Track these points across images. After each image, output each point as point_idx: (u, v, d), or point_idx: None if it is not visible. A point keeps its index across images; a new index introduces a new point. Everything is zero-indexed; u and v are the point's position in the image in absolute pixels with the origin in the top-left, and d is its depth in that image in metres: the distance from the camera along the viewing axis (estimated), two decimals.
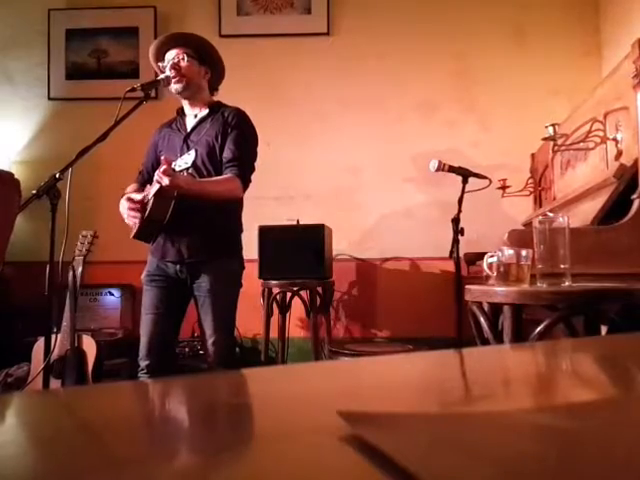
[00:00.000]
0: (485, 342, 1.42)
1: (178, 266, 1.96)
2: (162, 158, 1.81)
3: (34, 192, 1.69)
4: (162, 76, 1.99)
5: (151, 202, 1.88)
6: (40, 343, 2.25)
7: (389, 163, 3.50)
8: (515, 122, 3.41)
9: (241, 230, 2.09)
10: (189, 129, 2.05)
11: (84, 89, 3.62)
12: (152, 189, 1.88)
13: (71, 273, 2.46)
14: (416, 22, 3.54)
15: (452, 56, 3.51)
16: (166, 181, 1.74)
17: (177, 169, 1.82)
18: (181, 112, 2.11)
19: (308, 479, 0.22)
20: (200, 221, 1.93)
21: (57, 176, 1.72)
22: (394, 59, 3.53)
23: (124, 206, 1.97)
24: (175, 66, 1.98)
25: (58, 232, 1.78)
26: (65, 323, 2.42)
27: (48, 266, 1.79)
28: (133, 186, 2.13)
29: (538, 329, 1.28)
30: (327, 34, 3.56)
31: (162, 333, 1.95)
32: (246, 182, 1.97)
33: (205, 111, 2.04)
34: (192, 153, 1.84)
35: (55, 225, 1.76)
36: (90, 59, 3.65)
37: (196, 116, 2.06)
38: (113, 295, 3.37)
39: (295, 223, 3.01)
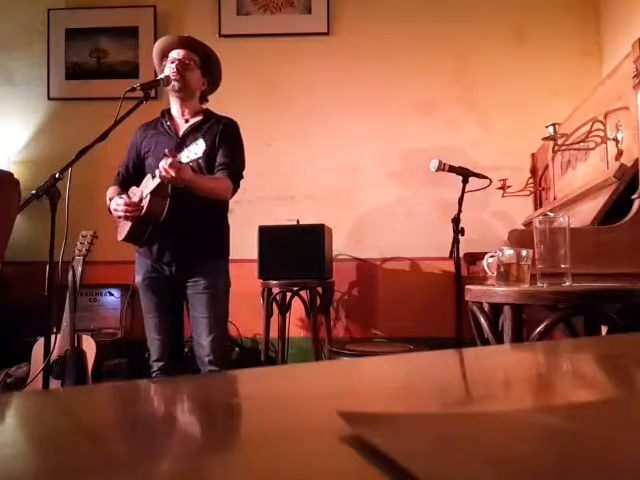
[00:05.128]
0: (485, 342, 1.42)
1: (173, 267, 1.98)
2: (166, 151, 1.77)
3: (34, 192, 1.69)
4: (162, 76, 1.99)
5: (147, 201, 1.87)
6: (40, 343, 2.25)
7: (389, 163, 3.50)
8: (515, 122, 3.40)
9: (229, 231, 2.11)
10: (181, 133, 2.04)
11: (84, 89, 3.62)
12: (148, 186, 1.87)
13: (71, 273, 2.46)
14: (416, 22, 3.54)
15: (452, 56, 3.51)
16: (173, 173, 1.72)
17: (185, 160, 1.76)
18: (167, 114, 2.10)
19: None
20: (192, 223, 1.95)
21: (57, 176, 1.72)
22: (394, 59, 3.53)
23: (119, 203, 1.91)
24: (180, 65, 1.99)
25: (58, 232, 1.78)
26: (65, 323, 2.42)
27: (48, 266, 1.80)
28: (114, 189, 2.07)
29: (538, 329, 1.28)
30: (327, 34, 3.56)
31: (172, 334, 2.01)
32: (236, 186, 2.02)
33: (199, 117, 2.06)
34: (200, 143, 1.76)
35: (55, 225, 1.76)
36: (90, 59, 3.65)
37: (187, 121, 2.06)
38: (113, 295, 3.37)
39: (295, 223, 3.01)
